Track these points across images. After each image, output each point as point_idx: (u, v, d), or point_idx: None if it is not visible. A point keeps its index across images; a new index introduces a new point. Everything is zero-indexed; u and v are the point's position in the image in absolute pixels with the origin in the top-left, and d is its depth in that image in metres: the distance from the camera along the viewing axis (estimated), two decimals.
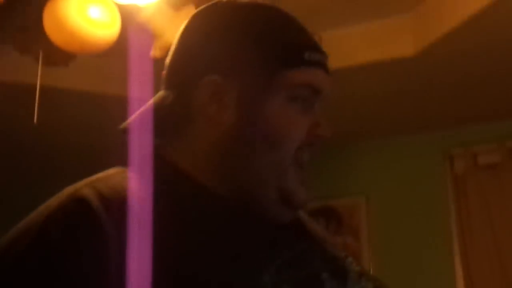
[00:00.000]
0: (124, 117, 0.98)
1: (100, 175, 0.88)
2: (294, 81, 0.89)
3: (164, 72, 0.96)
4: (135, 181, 0.86)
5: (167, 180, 0.87)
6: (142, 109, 0.95)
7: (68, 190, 0.84)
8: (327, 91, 0.94)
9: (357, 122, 3.36)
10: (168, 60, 0.96)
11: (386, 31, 2.89)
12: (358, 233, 3.47)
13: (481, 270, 3.14)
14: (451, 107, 3.29)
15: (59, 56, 2.21)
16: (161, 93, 0.95)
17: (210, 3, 0.96)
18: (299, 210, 0.94)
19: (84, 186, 0.83)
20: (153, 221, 0.80)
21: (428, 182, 3.44)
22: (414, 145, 3.54)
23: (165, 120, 0.93)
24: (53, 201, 0.83)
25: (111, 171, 0.89)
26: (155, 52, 2.11)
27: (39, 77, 2.23)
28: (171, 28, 2.06)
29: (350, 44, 2.89)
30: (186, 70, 0.93)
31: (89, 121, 3.38)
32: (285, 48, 0.90)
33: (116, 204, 0.80)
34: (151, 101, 0.95)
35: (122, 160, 0.90)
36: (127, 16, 2.13)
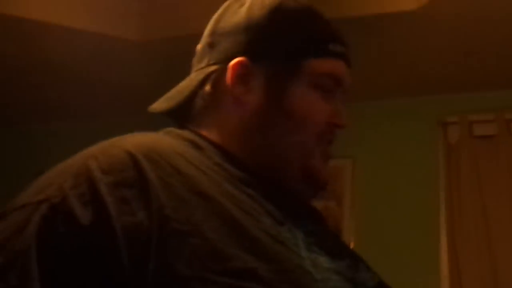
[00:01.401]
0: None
1: (133, 135, 0.90)
2: (318, 69, 0.97)
3: (199, 46, 1.04)
4: (169, 142, 0.90)
5: (198, 144, 0.92)
6: (173, 91, 1.03)
7: (104, 145, 0.86)
8: (347, 83, 1.01)
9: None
10: (201, 41, 1.04)
11: None
12: (341, 198, 3.31)
13: (467, 245, 2.99)
14: (449, 72, 3.11)
15: None
16: (192, 75, 1.02)
17: None
18: (322, 189, 0.99)
19: (124, 143, 0.84)
20: (188, 176, 0.82)
21: (419, 149, 3.27)
22: (407, 109, 3.36)
23: (192, 103, 0.99)
24: (82, 155, 0.85)
25: (143, 134, 0.91)
26: None
27: None
28: None
29: None
30: (216, 51, 0.99)
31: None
32: (312, 38, 0.98)
33: (156, 159, 0.82)
34: (181, 84, 1.03)
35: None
36: None
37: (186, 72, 1.06)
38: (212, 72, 0.99)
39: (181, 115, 1.02)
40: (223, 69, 0.98)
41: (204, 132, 0.97)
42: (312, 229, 0.89)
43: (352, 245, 3.20)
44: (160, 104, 1.04)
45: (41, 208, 0.77)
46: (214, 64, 0.99)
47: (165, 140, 0.91)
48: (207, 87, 0.99)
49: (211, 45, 1.01)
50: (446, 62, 3.03)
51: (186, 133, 0.96)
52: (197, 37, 1.07)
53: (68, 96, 3.62)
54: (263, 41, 0.97)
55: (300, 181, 0.96)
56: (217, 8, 1.06)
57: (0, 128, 3.98)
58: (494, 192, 3.02)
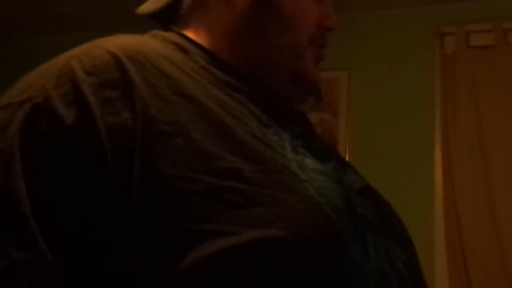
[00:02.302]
0: None
1: (117, 37, 0.87)
2: None
3: None
4: (155, 44, 0.88)
5: (184, 47, 0.90)
6: None
7: (86, 46, 0.83)
8: None
9: None
10: None
11: None
12: (337, 110, 3.31)
13: (461, 156, 3.01)
14: None
15: None
16: None
17: None
18: (312, 92, 0.98)
19: (108, 44, 0.83)
20: (173, 78, 0.81)
21: (415, 60, 3.24)
22: (403, 20, 3.32)
23: (180, 4, 0.97)
24: (64, 56, 0.83)
25: (128, 35, 0.89)
26: None
27: None
28: None
29: None
30: None
31: None
32: None
33: (141, 60, 0.81)
34: None
35: None
36: None
37: None
38: None
39: (169, 17, 0.99)
40: None
41: (191, 34, 0.95)
42: (299, 132, 0.88)
43: (347, 157, 3.23)
44: (148, 5, 1.01)
45: (23, 107, 0.76)
46: None
47: (150, 42, 0.89)
48: None
49: None
50: None
51: (172, 36, 0.94)
52: None
53: (57, 7, 3.57)
54: None
55: (289, 84, 0.95)
56: None
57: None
58: (489, 103, 3.01)
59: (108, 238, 0.72)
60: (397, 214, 0.94)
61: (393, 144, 3.19)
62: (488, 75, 3.05)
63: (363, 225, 0.81)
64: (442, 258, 2.97)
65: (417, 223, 2.97)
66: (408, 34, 3.30)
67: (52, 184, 0.73)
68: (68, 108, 0.75)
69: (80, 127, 0.74)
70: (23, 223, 0.70)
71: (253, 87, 0.90)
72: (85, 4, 3.50)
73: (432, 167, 3.11)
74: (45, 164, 0.73)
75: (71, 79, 0.77)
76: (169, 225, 0.71)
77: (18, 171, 0.72)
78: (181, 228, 0.71)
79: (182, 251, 0.70)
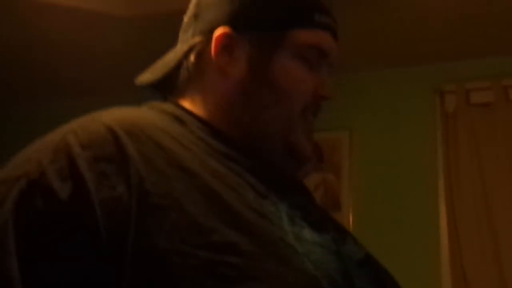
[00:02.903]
0: None
1: (114, 110, 0.88)
2: (302, 40, 0.95)
3: (185, 18, 1.02)
4: (152, 116, 0.89)
5: (181, 118, 0.91)
6: (158, 63, 1.02)
7: (83, 120, 0.84)
8: (333, 55, 0.99)
9: (342, 53, 3.17)
10: (187, 12, 1.02)
11: None
12: (339, 170, 3.30)
13: (466, 214, 2.99)
14: (445, 40, 3.09)
15: None
16: (177, 47, 1.01)
17: None
18: (304, 164, 0.97)
19: (105, 118, 0.83)
20: (169, 150, 0.81)
21: (416, 119, 3.25)
22: (403, 79, 3.34)
23: (177, 74, 0.98)
24: (62, 130, 0.83)
25: (125, 108, 0.90)
26: None
27: None
28: None
29: None
30: (200, 22, 0.98)
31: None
32: (297, 8, 0.95)
33: (137, 133, 0.81)
34: (166, 56, 1.01)
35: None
36: None
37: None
38: (197, 43, 0.97)
39: (166, 87, 1.00)
40: (208, 40, 0.96)
41: (188, 105, 0.96)
42: (296, 202, 0.88)
43: (351, 217, 3.20)
44: (145, 76, 1.02)
45: (19, 183, 0.77)
46: (199, 35, 0.98)
47: (147, 115, 0.90)
48: (192, 58, 0.97)
49: (196, 16, 0.99)
50: (442, 29, 3.00)
51: (169, 107, 0.95)
52: (183, 13, 1.05)
53: (65, 74, 3.61)
54: (248, 11, 0.95)
55: (283, 154, 0.95)
56: None
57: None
58: (492, 159, 3.00)
59: None
60: (398, 284, 0.93)
61: (397, 203, 3.17)
62: (490, 132, 3.05)
63: None
64: None
65: (423, 284, 2.93)
66: (408, 93, 3.32)
67: (46, 260, 0.72)
68: (63, 183, 0.75)
69: (75, 201, 0.74)
70: None
71: (250, 157, 0.90)
72: (90, 71, 3.54)
73: (438, 225, 3.08)
74: (39, 241, 0.73)
75: (67, 154, 0.78)
76: None
77: (12, 249, 0.72)
78: None
79: None
